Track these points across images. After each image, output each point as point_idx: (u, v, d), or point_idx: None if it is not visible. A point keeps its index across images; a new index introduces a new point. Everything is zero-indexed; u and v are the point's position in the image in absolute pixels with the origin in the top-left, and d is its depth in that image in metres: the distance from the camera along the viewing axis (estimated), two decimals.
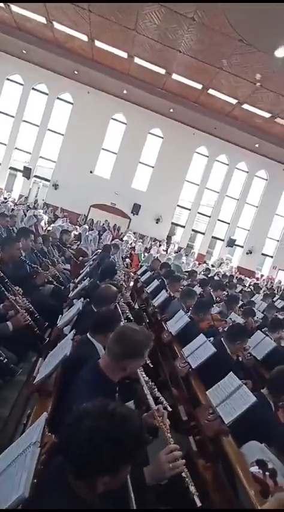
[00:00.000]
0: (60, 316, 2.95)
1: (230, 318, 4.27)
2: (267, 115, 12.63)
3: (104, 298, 2.62)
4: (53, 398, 1.70)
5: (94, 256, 6.10)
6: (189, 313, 3.71)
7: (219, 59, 10.09)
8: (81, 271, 5.07)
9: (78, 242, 9.67)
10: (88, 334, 2.16)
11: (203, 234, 16.92)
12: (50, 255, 5.57)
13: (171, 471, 1.37)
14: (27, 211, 11.84)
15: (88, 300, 2.86)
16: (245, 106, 12.49)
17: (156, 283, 5.38)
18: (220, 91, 12.07)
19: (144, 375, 2.15)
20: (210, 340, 2.85)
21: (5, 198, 13.21)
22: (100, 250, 6.56)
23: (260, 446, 1.81)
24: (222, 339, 2.92)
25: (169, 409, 2.14)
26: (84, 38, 11.67)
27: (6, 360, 1.87)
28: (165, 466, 1.37)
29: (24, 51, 13.68)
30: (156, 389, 2.01)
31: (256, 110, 12.51)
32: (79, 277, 4.40)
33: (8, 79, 15.09)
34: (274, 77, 10.04)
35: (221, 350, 2.77)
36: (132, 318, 3.32)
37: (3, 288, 2.48)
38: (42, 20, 11.45)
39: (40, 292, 4.24)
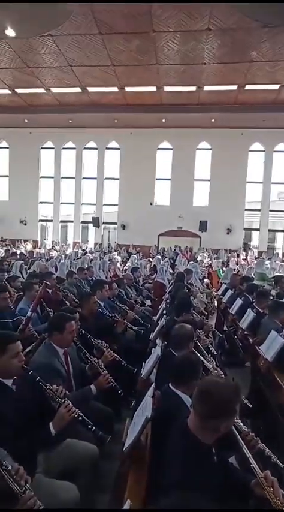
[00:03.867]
0: (144, 363, 2.91)
1: None
2: None
3: (180, 340, 2.50)
4: (147, 467, 1.62)
5: (170, 288, 6.05)
6: None
7: (247, 53, 9.68)
8: (159, 307, 5.04)
9: (155, 274, 9.83)
10: (170, 384, 2.06)
11: (282, 231, 15.46)
12: (128, 297, 5.74)
13: None
14: (104, 256, 12.72)
15: (166, 342, 2.78)
16: None
17: (239, 302, 4.99)
18: (257, 83, 11.46)
19: (242, 425, 1.89)
20: None
21: (84, 250, 14.47)
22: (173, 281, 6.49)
23: None
24: None
25: (281, 465, 1.82)
26: (115, 89, 12.66)
27: (94, 428, 1.87)
28: None
29: (70, 121, 15.48)
30: (259, 443, 1.74)
31: None
32: (158, 315, 4.37)
33: (63, 148, 17.16)
34: None
35: None
36: (214, 352, 3.09)
37: (84, 351, 2.59)
38: (78, 89, 12.91)
39: (125, 338, 4.34)
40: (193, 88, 12.15)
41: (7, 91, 13.52)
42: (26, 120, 15.69)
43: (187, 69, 10.91)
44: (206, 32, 8.91)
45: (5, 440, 1.56)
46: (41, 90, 13.25)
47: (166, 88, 12.38)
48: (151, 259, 12.72)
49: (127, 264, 11.60)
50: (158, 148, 16.11)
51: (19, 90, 13.46)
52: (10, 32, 9.00)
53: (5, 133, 16.87)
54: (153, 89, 12.46)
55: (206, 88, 12.09)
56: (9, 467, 1.30)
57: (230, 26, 8.59)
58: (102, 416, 2.48)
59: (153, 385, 1.93)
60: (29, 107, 14.70)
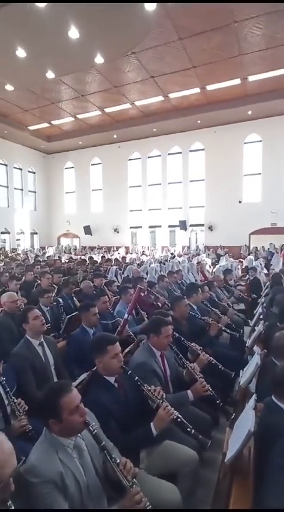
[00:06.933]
0: (241, 370, 2.76)
1: None
2: None
3: (283, 349, 2.29)
4: (251, 483, 1.53)
5: (266, 291, 5.60)
6: None
7: None
8: (255, 311, 4.73)
9: (247, 276, 9.27)
10: (273, 397, 1.90)
11: None
12: (219, 299, 5.55)
13: None
14: (192, 258, 12.64)
15: (265, 351, 2.58)
16: None
17: None
18: None
19: None
20: None
21: (172, 254, 14.67)
22: (268, 283, 5.98)
23: None
24: None
25: None
26: (197, 90, 12.55)
27: (193, 430, 1.86)
28: None
29: (154, 129, 16.03)
30: None
31: None
32: (254, 319, 4.09)
33: (149, 157, 17.86)
34: None
35: None
36: None
37: (181, 355, 2.61)
38: (160, 98, 13.27)
39: (219, 342, 4.20)
40: (283, 71, 11.10)
41: (98, 112, 14.87)
42: (115, 136, 16.95)
43: (274, 52, 10.04)
44: None
45: (111, 434, 1.69)
46: (127, 106, 14.12)
47: (251, 78, 11.63)
48: (242, 260, 12.04)
49: (216, 266, 11.26)
50: (245, 143, 15.23)
51: (107, 109, 14.64)
52: (99, 60, 9.91)
53: (98, 150, 18.57)
54: (237, 82, 11.87)
55: None
56: (118, 461, 1.39)
57: None
58: (200, 423, 2.45)
59: (254, 396, 1.81)
60: (117, 123, 15.83)
